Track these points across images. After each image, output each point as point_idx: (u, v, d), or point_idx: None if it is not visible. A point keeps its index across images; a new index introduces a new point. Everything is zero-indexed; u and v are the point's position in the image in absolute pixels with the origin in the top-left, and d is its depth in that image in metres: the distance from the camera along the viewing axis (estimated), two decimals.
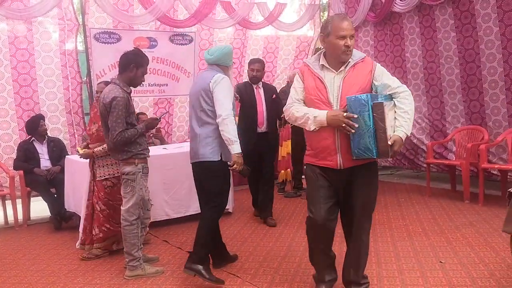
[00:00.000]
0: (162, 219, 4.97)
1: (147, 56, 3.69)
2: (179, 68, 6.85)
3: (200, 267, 3.31)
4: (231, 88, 3.49)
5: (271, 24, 7.40)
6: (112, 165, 4.08)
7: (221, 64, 3.54)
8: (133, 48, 3.83)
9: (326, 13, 8.49)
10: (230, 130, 3.32)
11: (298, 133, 6.02)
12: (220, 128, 3.34)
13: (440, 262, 3.60)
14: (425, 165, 6.25)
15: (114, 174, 4.08)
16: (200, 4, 6.71)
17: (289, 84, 6.34)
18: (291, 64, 7.83)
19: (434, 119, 6.75)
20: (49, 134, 5.66)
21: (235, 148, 3.33)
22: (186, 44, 6.85)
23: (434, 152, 6.32)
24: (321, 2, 7.97)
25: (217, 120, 3.35)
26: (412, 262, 3.64)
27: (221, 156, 3.41)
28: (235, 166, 3.37)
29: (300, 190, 6.30)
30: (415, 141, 6.92)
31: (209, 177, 3.43)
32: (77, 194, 4.86)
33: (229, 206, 5.19)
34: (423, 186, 6.23)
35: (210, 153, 3.39)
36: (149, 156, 3.71)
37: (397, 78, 2.88)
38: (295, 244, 4.23)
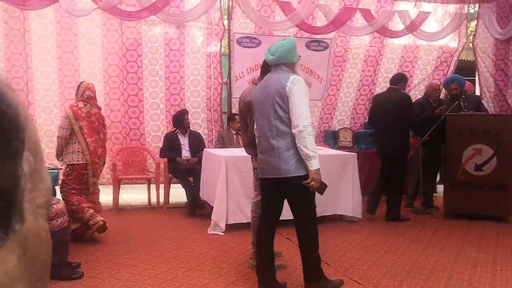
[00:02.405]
0: (285, 218, 5.15)
1: None
2: (312, 73, 7.02)
3: (322, 282, 3.31)
4: (307, 91, 3.22)
5: (411, 33, 7.21)
6: None
7: (287, 63, 3.20)
8: None
9: (473, 23, 7.99)
10: (307, 144, 2.99)
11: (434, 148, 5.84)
12: (296, 141, 3.02)
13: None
14: None
15: None
16: (339, 11, 6.81)
17: (425, 96, 6.13)
18: (430, 75, 7.53)
19: None
20: (191, 128, 6.21)
21: (314, 164, 3.00)
22: (321, 50, 7.00)
23: None
24: (468, 12, 7.54)
25: (293, 131, 3.02)
26: None
27: (306, 168, 3.06)
28: (312, 183, 3.03)
29: (430, 208, 6.02)
30: None
31: (297, 193, 3.15)
32: (210, 185, 5.29)
33: (356, 213, 5.22)
34: None
35: (294, 168, 3.07)
36: None
37: None
38: (422, 261, 4.11)
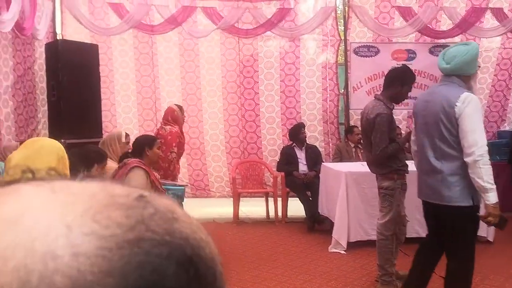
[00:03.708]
0: (412, 236, 4.84)
1: (414, 75, 3.65)
2: (437, 81, 6.56)
3: None
4: (481, 111, 2.82)
5: None
6: None
7: (462, 74, 2.78)
8: (401, 65, 3.84)
9: None
10: (484, 175, 2.60)
11: None
12: (470, 171, 2.64)
13: None
14: None
15: None
16: (466, 12, 6.30)
17: None
18: None
19: None
20: (307, 141, 6.16)
21: (491, 197, 2.63)
22: None
23: None
24: None
25: (465, 159, 2.65)
26: None
27: (472, 199, 2.74)
28: (490, 218, 2.69)
29: None
30: None
31: (457, 225, 2.81)
32: (330, 200, 5.16)
33: (489, 235, 4.73)
34: None
35: (458, 196, 2.75)
36: (407, 173, 3.67)
37: None
38: None
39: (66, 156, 1.85)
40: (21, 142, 4.70)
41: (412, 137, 3.19)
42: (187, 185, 4.32)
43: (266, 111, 6.58)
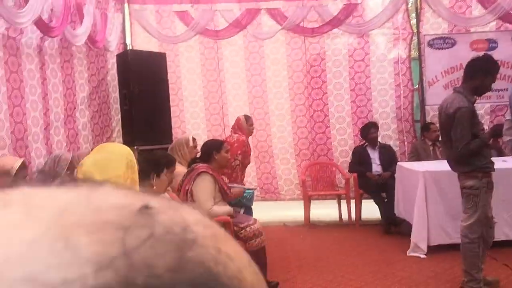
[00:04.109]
0: (501, 239, 4.43)
1: (498, 64, 3.32)
2: None
3: None
4: None
5: None
6: None
7: None
8: (482, 54, 3.53)
9: None
10: None
11: None
12: None
13: None
14: None
15: None
16: None
17: None
18: None
19: None
20: (380, 141, 5.87)
21: None
22: None
23: None
24: None
25: None
26: None
27: None
28: None
29: None
30: None
31: None
32: (407, 202, 4.87)
33: None
34: None
35: None
36: (494, 170, 3.35)
37: None
38: None
39: (135, 161, 1.84)
40: None
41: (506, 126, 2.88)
42: (256, 188, 4.25)
43: (336, 111, 6.38)
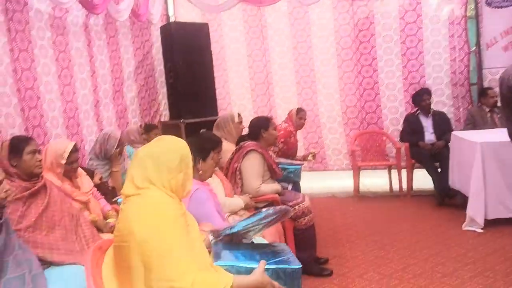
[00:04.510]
0: None
1: None
2: None
3: None
4: None
5: None
6: None
7: None
8: None
9: None
10: None
11: None
12: None
13: None
14: None
15: None
16: None
17: None
18: None
19: None
20: (433, 108, 5.60)
21: None
22: None
23: None
24: None
25: None
26: None
27: None
28: None
29: None
30: None
31: None
32: (462, 173, 4.65)
33: None
34: None
35: None
36: None
37: None
38: None
39: (189, 154, 1.88)
40: (141, 125, 4.94)
41: None
42: (303, 164, 4.18)
43: (386, 77, 6.10)
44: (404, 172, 5.54)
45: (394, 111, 6.12)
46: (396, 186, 5.64)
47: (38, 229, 2.45)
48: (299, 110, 5.14)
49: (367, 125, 6.23)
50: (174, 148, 1.84)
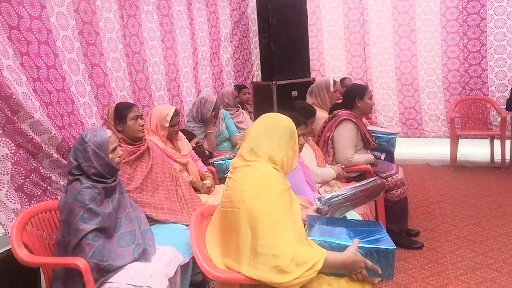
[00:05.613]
0: None
1: None
2: None
3: None
4: None
5: None
6: None
7: None
8: None
9: None
10: None
11: None
12: None
13: None
14: None
15: None
16: None
17: None
18: None
19: None
20: None
21: None
22: None
23: None
24: None
25: None
26: None
27: None
28: None
29: None
30: None
31: None
32: None
33: None
34: None
35: None
36: None
37: None
38: None
39: (296, 131, 1.97)
40: (235, 87, 5.07)
41: None
42: (398, 133, 4.04)
43: (495, 39, 5.62)
44: (508, 143, 5.19)
45: (501, 76, 5.66)
46: (498, 158, 5.31)
47: (144, 190, 2.70)
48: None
49: (470, 90, 5.85)
50: (283, 126, 1.92)
